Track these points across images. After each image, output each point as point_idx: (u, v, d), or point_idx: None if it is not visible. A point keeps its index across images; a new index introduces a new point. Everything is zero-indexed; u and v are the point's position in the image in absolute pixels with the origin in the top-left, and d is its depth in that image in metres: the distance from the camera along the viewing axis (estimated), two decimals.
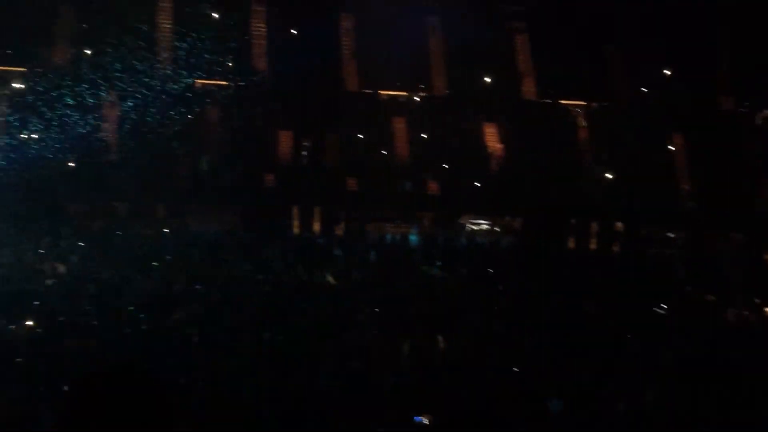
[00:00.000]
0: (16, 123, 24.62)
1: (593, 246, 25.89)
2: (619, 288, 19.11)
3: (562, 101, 27.17)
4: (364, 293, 18.05)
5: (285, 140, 26.37)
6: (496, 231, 27.27)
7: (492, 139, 27.16)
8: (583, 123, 27.01)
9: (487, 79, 27.53)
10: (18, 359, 12.14)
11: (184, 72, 25.11)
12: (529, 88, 26.88)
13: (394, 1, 25.16)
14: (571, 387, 12.10)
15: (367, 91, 26.92)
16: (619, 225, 26.68)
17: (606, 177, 26.78)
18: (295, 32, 25.70)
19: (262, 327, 14.66)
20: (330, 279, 19.68)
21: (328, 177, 25.98)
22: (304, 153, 26.62)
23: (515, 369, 12.86)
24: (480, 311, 16.61)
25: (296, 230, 25.84)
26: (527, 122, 26.51)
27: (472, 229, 27.05)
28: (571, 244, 25.89)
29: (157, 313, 15.12)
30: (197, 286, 17.64)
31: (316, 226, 26.38)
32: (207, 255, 20.83)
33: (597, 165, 26.91)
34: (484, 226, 27.25)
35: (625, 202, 25.72)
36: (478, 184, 26.57)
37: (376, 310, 16.34)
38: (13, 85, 25.16)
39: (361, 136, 27.07)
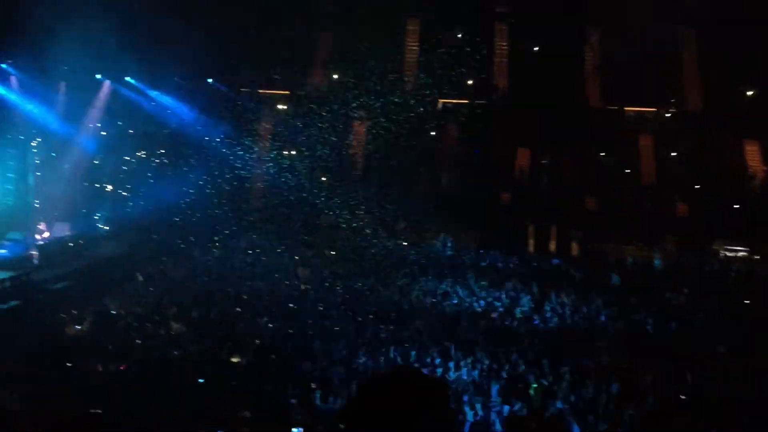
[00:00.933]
0: (279, 142, 27.32)
1: None
2: None
3: None
4: (603, 318, 17.25)
5: (524, 158, 26.22)
6: (756, 259, 24.55)
7: (752, 157, 24.72)
8: None
9: (748, 93, 25.09)
10: (272, 356, 13.26)
11: (429, 91, 26.04)
12: None
13: (642, 11, 23.76)
14: None
15: (612, 107, 25.86)
16: None
17: None
18: (537, 48, 25.43)
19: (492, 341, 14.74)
20: (564, 300, 19.07)
21: (567, 196, 25.32)
22: (544, 171, 26.26)
23: None
24: (731, 346, 14.97)
25: (532, 249, 25.55)
26: None
27: (727, 256, 24.61)
28: None
29: (395, 322, 15.72)
30: (433, 300, 18.09)
31: (552, 246, 25.87)
32: (444, 270, 21.27)
33: None
34: (741, 253, 24.67)
35: None
36: (737, 206, 24.24)
37: (614, 338, 15.49)
38: (278, 107, 27.96)
39: (604, 154, 26.04)
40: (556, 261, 23.47)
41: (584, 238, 25.82)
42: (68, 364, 12.08)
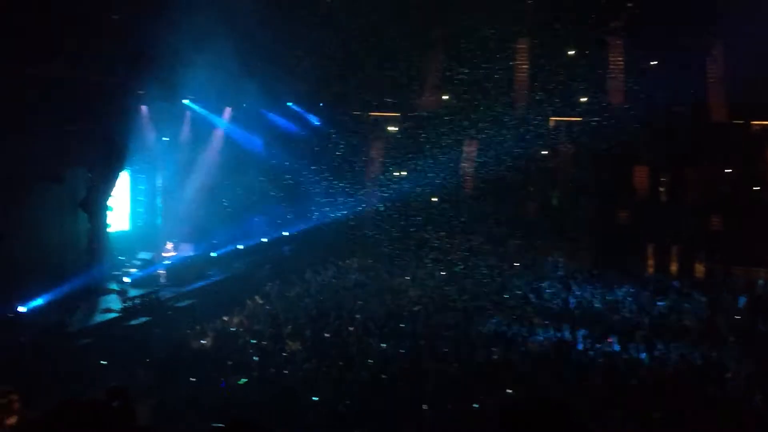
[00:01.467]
0: (389, 163, 27.79)
1: None
2: None
3: None
4: (730, 343, 16.23)
5: (642, 175, 25.31)
6: None
7: None
8: None
9: None
10: (383, 376, 13.32)
11: (542, 110, 25.74)
12: None
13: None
14: None
15: (738, 121, 24.52)
16: None
17: None
18: (655, 63, 24.52)
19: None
20: (687, 323, 18.13)
21: (689, 214, 24.17)
22: (664, 188, 25.24)
23: None
24: None
25: (651, 270, 24.55)
26: None
27: None
28: None
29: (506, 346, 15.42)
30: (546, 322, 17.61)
31: (673, 267, 24.75)
32: (558, 293, 20.79)
33: None
34: None
35: None
36: None
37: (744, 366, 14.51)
38: (389, 128, 28.46)
39: (729, 171, 24.70)
40: (676, 283, 22.41)
41: (708, 258, 24.55)
42: (192, 379, 12.71)
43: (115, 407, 2.79)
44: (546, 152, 26.64)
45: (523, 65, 26.03)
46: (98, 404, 2.80)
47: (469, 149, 27.13)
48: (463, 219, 26.48)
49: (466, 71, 25.99)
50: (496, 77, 25.86)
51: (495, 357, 14.54)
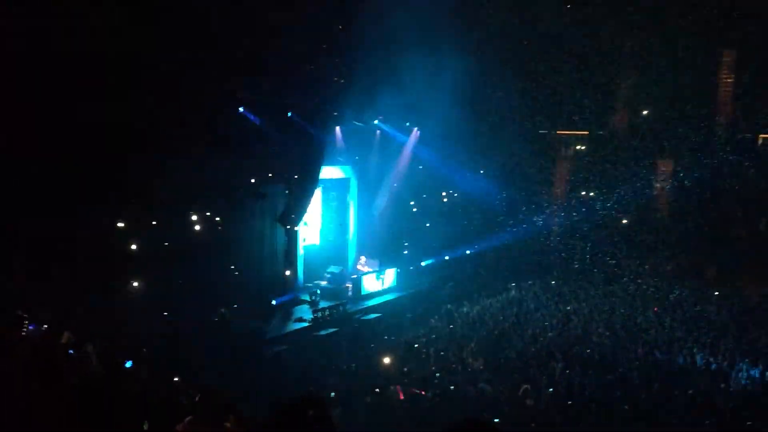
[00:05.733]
0: (577, 181, 26.97)
1: None
2: None
3: None
4: None
5: None
6: None
7: None
8: None
9: None
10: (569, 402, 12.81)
11: (749, 125, 23.79)
12: None
13: None
14: None
15: None
16: None
17: None
18: None
19: None
20: None
21: None
22: None
23: None
24: None
25: None
26: None
27: None
28: None
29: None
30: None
31: None
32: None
33: None
34: None
35: None
36: None
37: None
38: (577, 147, 27.67)
39: None
40: None
41: None
42: (377, 390, 13.08)
43: (312, 416, 2.84)
44: (753, 170, 24.40)
45: (727, 78, 24.18)
46: (301, 410, 2.85)
47: (664, 169, 25.63)
48: (656, 242, 24.99)
49: (662, 85, 24.67)
50: (695, 91, 24.28)
51: (691, 392, 13.47)
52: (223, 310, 16.88)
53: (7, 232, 12.74)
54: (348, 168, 23.14)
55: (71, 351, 6.67)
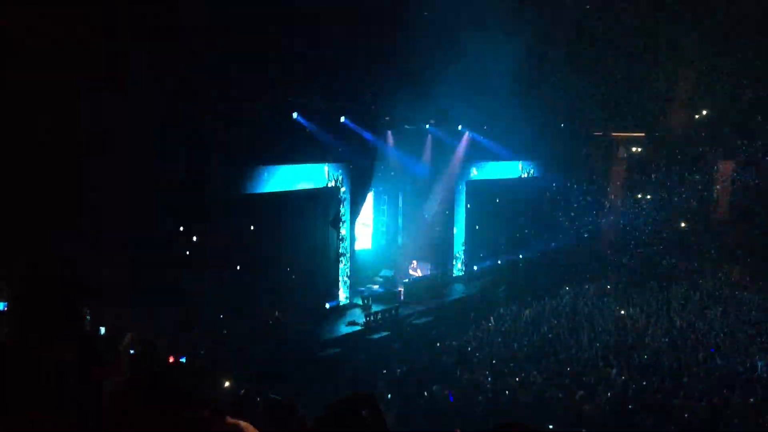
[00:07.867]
0: (632, 184, 26.44)
1: None
2: None
3: None
4: None
5: None
6: None
7: None
8: None
9: None
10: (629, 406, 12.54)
11: None
12: None
13: None
14: None
15: None
16: None
17: None
18: None
19: None
20: None
21: None
22: None
23: None
24: None
25: None
26: None
27: None
28: None
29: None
30: None
31: None
32: None
33: None
34: None
35: None
36: None
37: None
38: (632, 149, 27.09)
39: None
40: None
41: None
42: (425, 393, 13.07)
43: (365, 416, 2.83)
44: None
45: None
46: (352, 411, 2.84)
47: (724, 171, 24.92)
48: (715, 246, 24.29)
49: (723, 85, 24.00)
50: (756, 90, 23.56)
51: (752, 400, 13.03)
52: (277, 313, 17.13)
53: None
54: (400, 171, 23.19)
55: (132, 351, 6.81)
